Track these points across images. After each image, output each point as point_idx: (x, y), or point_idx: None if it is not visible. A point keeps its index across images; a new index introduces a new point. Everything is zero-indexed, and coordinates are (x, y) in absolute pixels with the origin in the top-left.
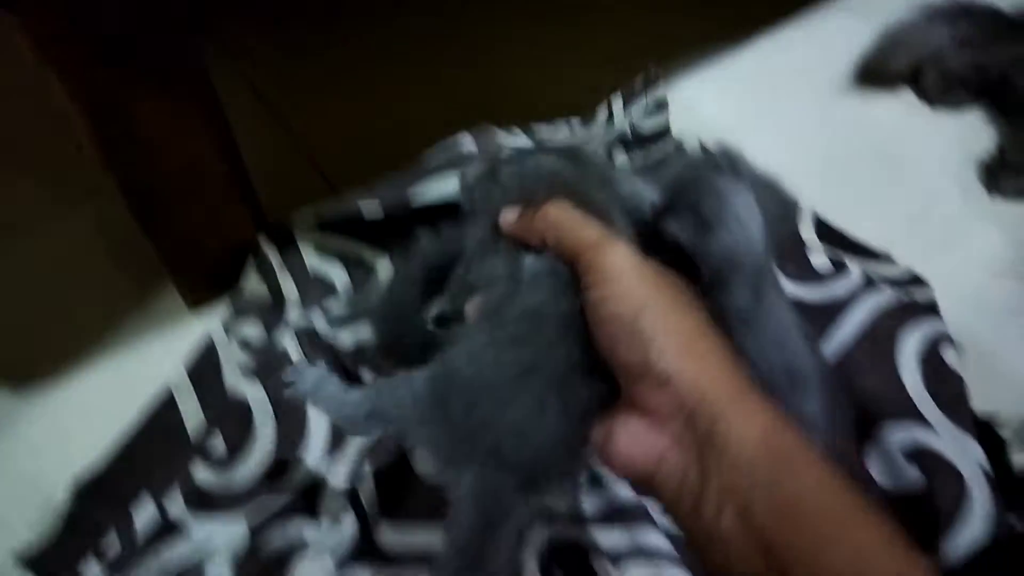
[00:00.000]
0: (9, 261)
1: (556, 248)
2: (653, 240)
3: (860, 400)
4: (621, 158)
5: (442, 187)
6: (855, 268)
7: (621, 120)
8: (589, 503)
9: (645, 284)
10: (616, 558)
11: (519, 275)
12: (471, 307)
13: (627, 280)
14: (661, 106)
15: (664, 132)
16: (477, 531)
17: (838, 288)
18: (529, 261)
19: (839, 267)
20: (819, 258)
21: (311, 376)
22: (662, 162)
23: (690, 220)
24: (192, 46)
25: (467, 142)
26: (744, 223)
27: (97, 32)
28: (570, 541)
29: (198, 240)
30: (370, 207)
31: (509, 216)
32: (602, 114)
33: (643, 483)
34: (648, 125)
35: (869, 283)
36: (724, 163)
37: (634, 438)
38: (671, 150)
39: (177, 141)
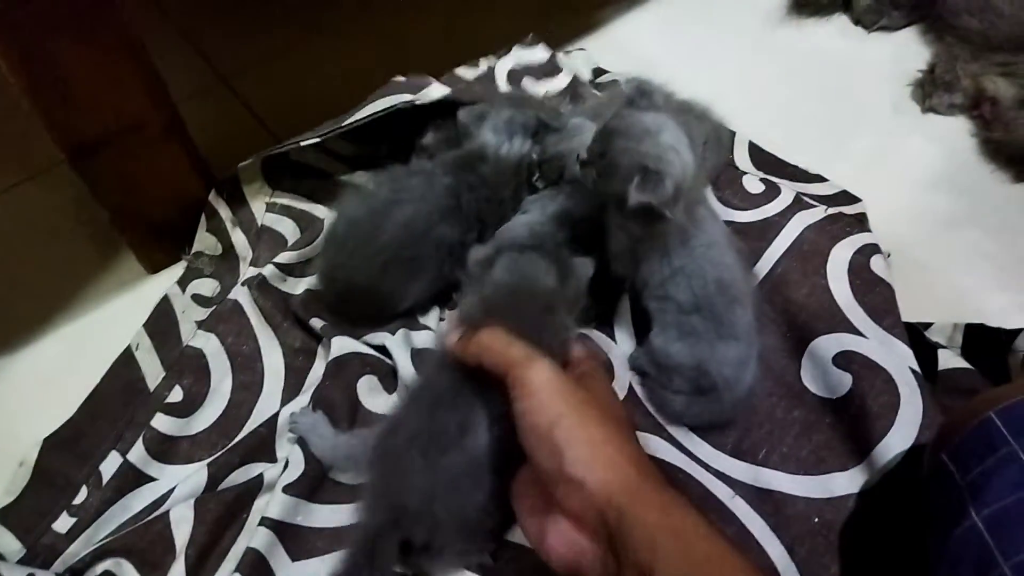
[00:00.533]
0: None
1: (489, 368)
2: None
3: (792, 313)
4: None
5: (376, 106)
6: (787, 189)
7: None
8: None
9: (560, 398)
10: None
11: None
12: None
13: (544, 394)
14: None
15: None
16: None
17: (770, 209)
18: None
19: (772, 189)
20: (753, 183)
21: (307, 420)
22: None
23: (646, 180)
24: None
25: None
26: (681, 152)
27: None
28: None
29: (144, 197)
30: (307, 137)
31: (451, 338)
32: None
33: (573, 574)
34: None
35: (799, 202)
36: (639, 98)
37: (562, 536)
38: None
39: (108, 94)
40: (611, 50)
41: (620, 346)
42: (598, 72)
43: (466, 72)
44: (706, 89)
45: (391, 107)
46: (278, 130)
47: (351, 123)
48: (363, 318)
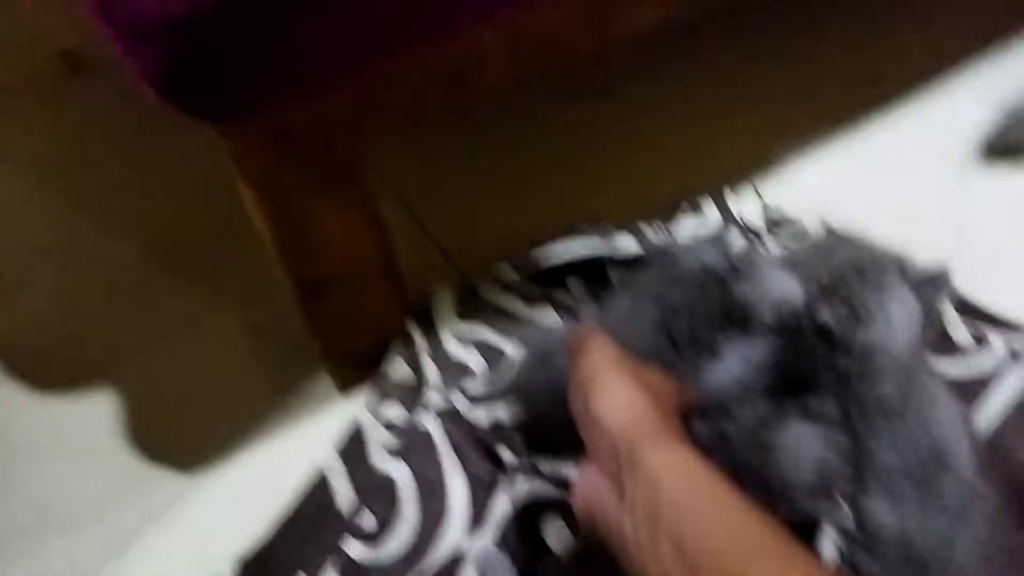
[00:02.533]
0: (182, 357)
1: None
2: (800, 328)
3: (1017, 479)
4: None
5: (571, 251)
6: (998, 342)
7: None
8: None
9: (604, 357)
10: None
11: None
12: None
13: (594, 353)
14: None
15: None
16: None
17: (982, 363)
18: None
19: (981, 341)
20: (960, 333)
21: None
22: (810, 250)
23: (843, 310)
24: (358, 156)
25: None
26: (894, 326)
27: (287, 145)
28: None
29: (354, 328)
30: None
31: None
32: (709, 208)
33: (589, 521)
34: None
35: (1014, 356)
36: (891, 263)
37: (586, 479)
38: (807, 237)
39: (343, 238)
40: (783, 194)
41: None
42: (768, 212)
43: (648, 231)
44: (893, 238)
45: (588, 256)
46: (463, 264)
47: (550, 266)
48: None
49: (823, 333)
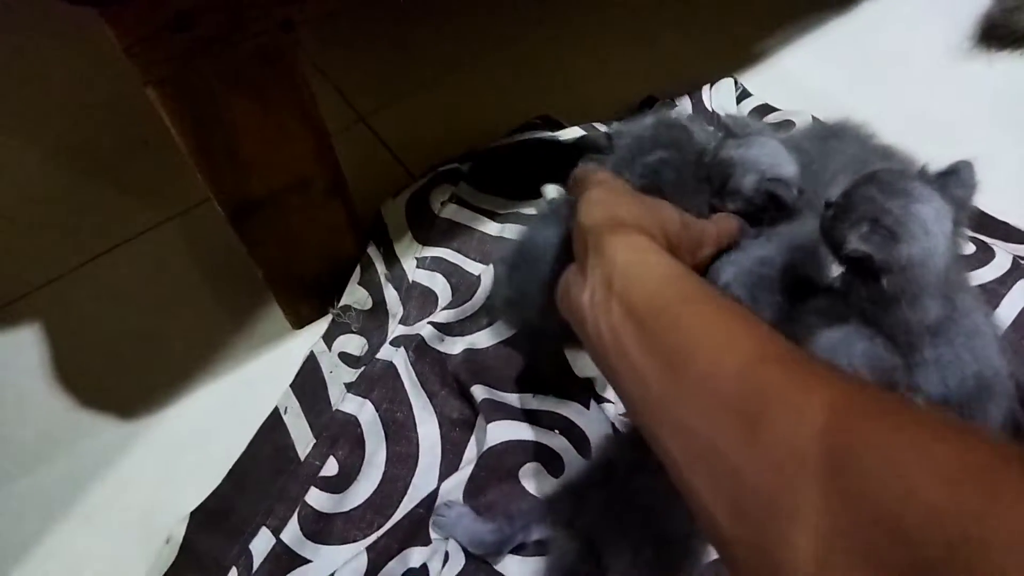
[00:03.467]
0: (107, 283)
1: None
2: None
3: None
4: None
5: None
6: (1001, 251)
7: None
8: None
9: (606, 183)
10: None
11: None
12: None
13: (596, 178)
14: (745, 93)
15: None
16: None
17: (985, 274)
18: None
19: (984, 251)
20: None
21: (451, 516)
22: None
23: (873, 232)
24: (282, 48)
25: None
26: (932, 232)
27: (190, 32)
28: None
29: (301, 254)
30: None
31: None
32: (684, 104)
33: (564, 309)
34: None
35: (1018, 267)
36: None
37: (567, 276)
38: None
39: (277, 152)
40: (776, 85)
41: None
42: (743, 95)
43: (602, 127)
44: (886, 130)
45: (529, 138)
46: (416, 169)
47: (485, 150)
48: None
49: (858, 262)
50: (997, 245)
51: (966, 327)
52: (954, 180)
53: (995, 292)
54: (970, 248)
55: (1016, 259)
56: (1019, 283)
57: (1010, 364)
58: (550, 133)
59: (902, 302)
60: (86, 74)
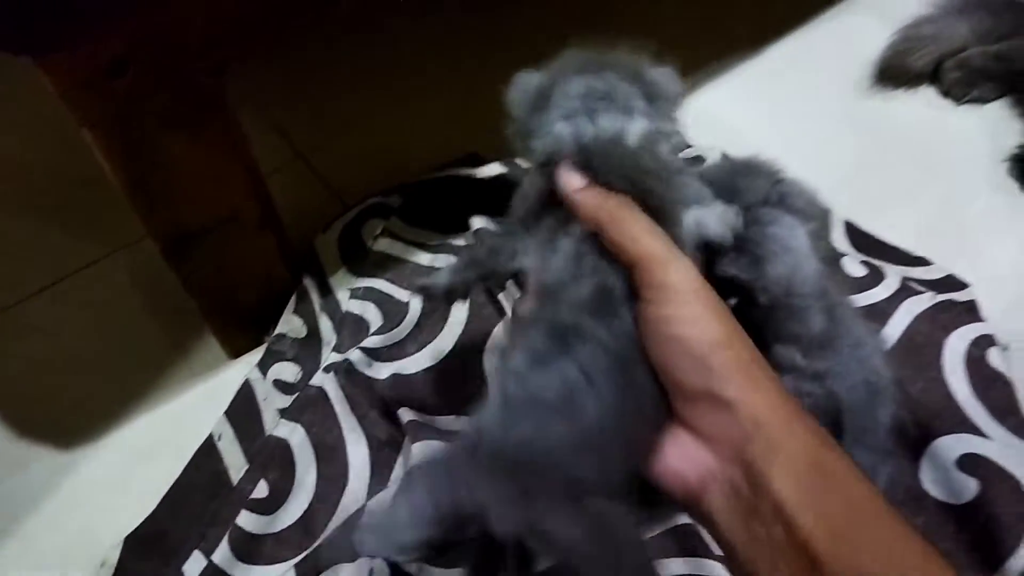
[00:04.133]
0: (46, 318)
1: (613, 247)
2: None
3: (908, 408)
4: None
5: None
6: (891, 273)
7: None
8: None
9: (714, 314)
10: None
11: (549, 253)
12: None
13: (696, 306)
14: None
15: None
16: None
17: (875, 295)
18: (566, 244)
19: (875, 273)
20: (854, 265)
21: (374, 534)
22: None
23: (739, 256)
24: (217, 87)
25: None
26: (791, 248)
27: (125, 78)
28: None
29: (235, 285)
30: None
31: (573, 182)
32: None
33: (691, 499)
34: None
35: (906, 288)
36: (766, 188)
37: (684, 453)
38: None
39: (209, 188)
40: (690, 122)
41: None
42: None
43: (524, 162)
44: (792, 163)
45: (452, 176)
46: (352, 201)
47: (411, 185)
48: None
49: (733, 285)
50: (888, 268)
51: (850, 338)
52: (795, 199)
53: (884, 311)
54: (862, 270)
55: (904, 280)
56: (906, 302)
57: (894, 373)
58: (469, 170)
59: (786, 317)
60: (28, 110)
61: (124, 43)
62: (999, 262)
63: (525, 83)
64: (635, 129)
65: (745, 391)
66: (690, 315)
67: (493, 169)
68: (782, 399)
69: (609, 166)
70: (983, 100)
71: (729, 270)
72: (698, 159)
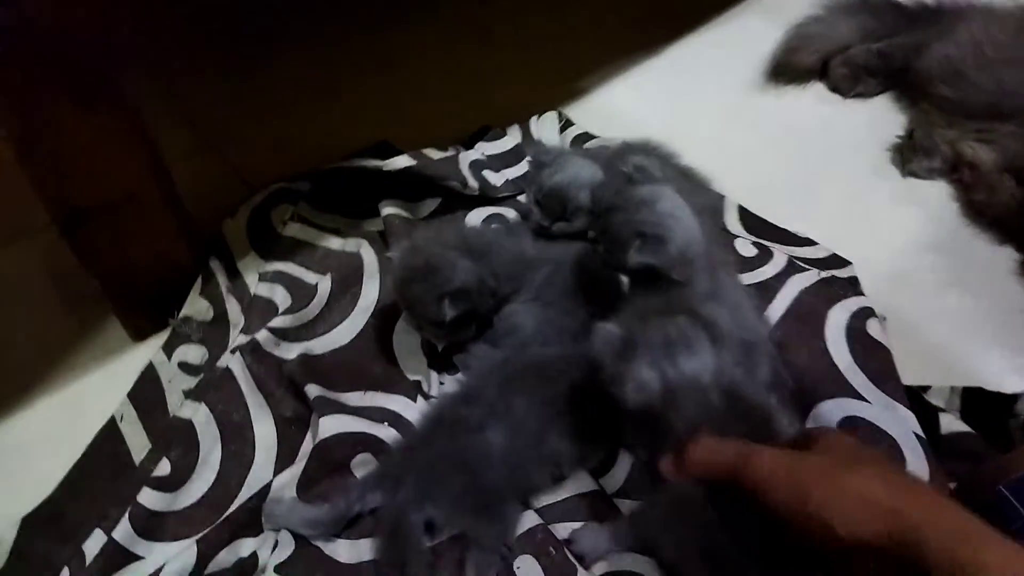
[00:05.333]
0: None
1: (717, 477)
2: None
3: (794, 376)
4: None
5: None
6: (779, 252)
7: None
8: None
9: (794, 470)
10: None
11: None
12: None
13: (778, 476)
14: (568, 123)
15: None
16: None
17: (765, 272)
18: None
19: (764, 253)
20: (745, 246)
21: (281, 509)
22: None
23: (644, 244)
24: (116, 68)
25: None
26: (680, 219)
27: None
28: None
29: (135, 266)
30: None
31: (665, 465)
32: (514, 133)
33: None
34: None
35: (792, 265)
36: (636, 175)
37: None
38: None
39: (107, 167)
40: (594, 117)
41: None
42: (567, 124)
43: (433, 153)
44: (688, 155)
45: (361, 166)
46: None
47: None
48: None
49: (644, 272)
50: (776, 247)
51: (729, 300)
52: (643, 171)
53: (772, 287)
54: (753, 251)
55: (791, 259)
56: (792, 278)
57: (772, 337)
58: (378, 162)
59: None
60: None
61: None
62: (881, 241)
63: (606, 335)
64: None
65: (855, 519)
66: (778, 486)
67: (402, 161)
68: (891, 495)
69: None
70: (868, 94)
71: (641, 259)
72: (603, 148)
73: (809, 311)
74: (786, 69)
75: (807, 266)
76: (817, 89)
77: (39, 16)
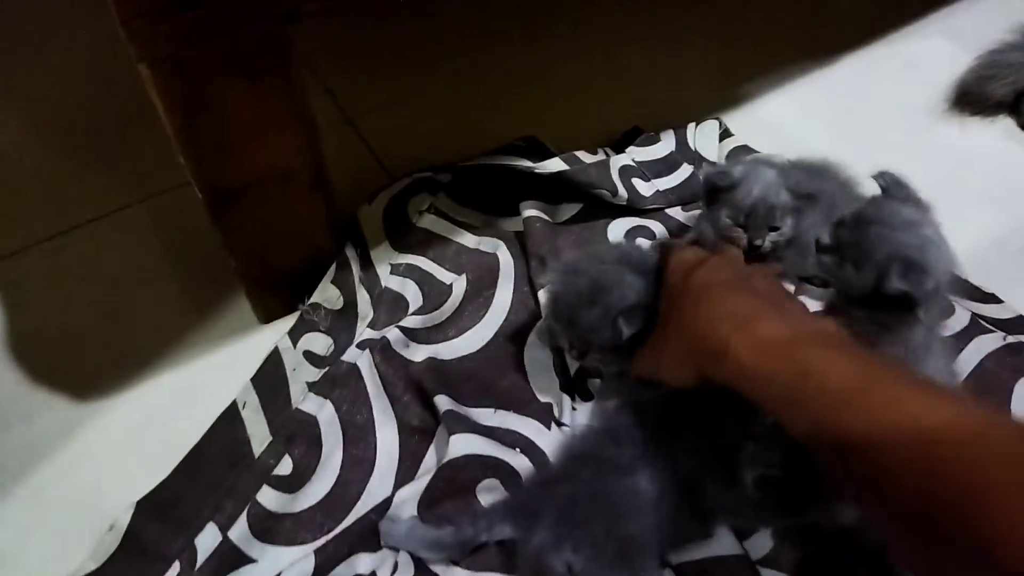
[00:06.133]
0: (72, 259)
1: None
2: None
3: None
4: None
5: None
6: (960, 308)
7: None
8: None
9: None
10: None
11: None
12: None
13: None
14: (727, 133)
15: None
16: None
17: (946, 328)
18: None
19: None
20: None
21: (399, 530)
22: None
23: (908, 270)
24: (282, 38)
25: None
26: (943, 252)
27: (197, 9)
28: None
29: (276, 247)
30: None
31: None
32: (668, 139)
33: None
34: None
35: (976, 324)
36: (894, 189)
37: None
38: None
39: (264, 139)
40: (751, 129)
41: None
42: (725, 134)
43: (584, 156)
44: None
45: (510, 166)
46: (398, 173)
47: (466, 165)
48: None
49: (893, 298)
50: (957, 301)
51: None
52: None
53: (954, 346)
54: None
55: (974, 316)
56: (976, 339)
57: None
58: (530, 163)
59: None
60: (77, 42)
61: None
62: None
63: None
64: None
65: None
66: None
67: (555, 165)
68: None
69: None
70: None
71: (900, 286)
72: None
73: (993, 380)
74: (975, 99)
75: (991, 327)
76: (1006, 124)
77: None
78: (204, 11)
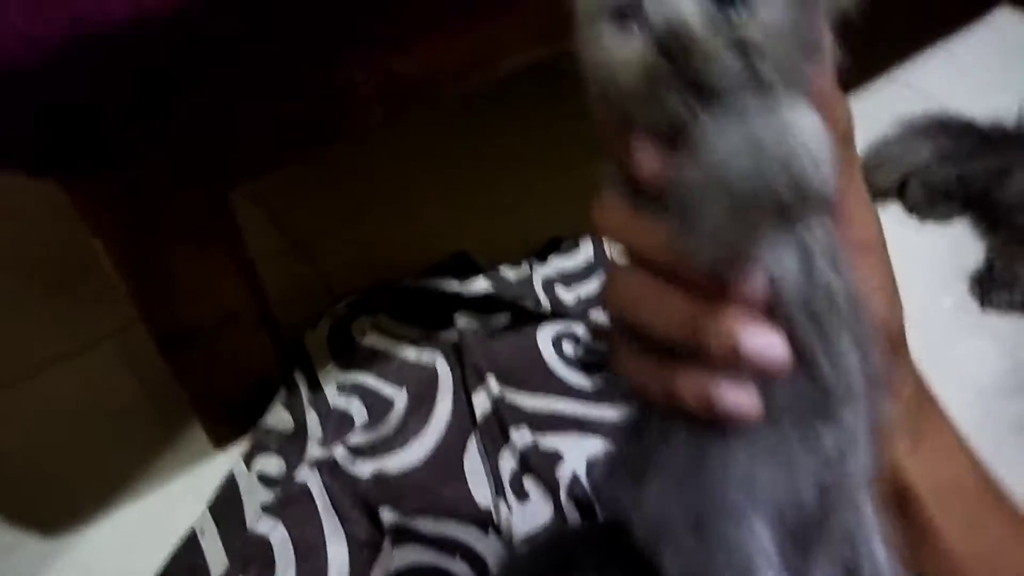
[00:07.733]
0: (31, 401)
1: None
2: None
3: None
4: None
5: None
6: None
7: None
8: None
9: None
10: None
11: None
12: None
13: None
14: None
15: None
16: None
17: None
18: None
19: None
20: None
21: None
22: None
23: None
24: (223, 203)
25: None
26: None
27: (137, 199)
28: None
29: (227, 380)
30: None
31: None
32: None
33: None
34: None
35: None
36: None
37: None
38: None
39: (210, 291)
40: None
41: None
42: None
43: (508, 271)
44: None
45: (432, 288)
46: (343, 291)
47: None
48: None
49: None
50: None
51: None
52: None
53: None
54: None
55: None
56: None
57: None
58: (457, 284)
59: None
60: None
61: (145, 169)
62: (957, 380)
63: None
64: None
65: None
66: None
67: (480, 284)
68: None
69: None
70: (946, 218)
71: None
72: None
73: None
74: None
75: None
76: (894, 210)
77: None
78: (149, 194)
